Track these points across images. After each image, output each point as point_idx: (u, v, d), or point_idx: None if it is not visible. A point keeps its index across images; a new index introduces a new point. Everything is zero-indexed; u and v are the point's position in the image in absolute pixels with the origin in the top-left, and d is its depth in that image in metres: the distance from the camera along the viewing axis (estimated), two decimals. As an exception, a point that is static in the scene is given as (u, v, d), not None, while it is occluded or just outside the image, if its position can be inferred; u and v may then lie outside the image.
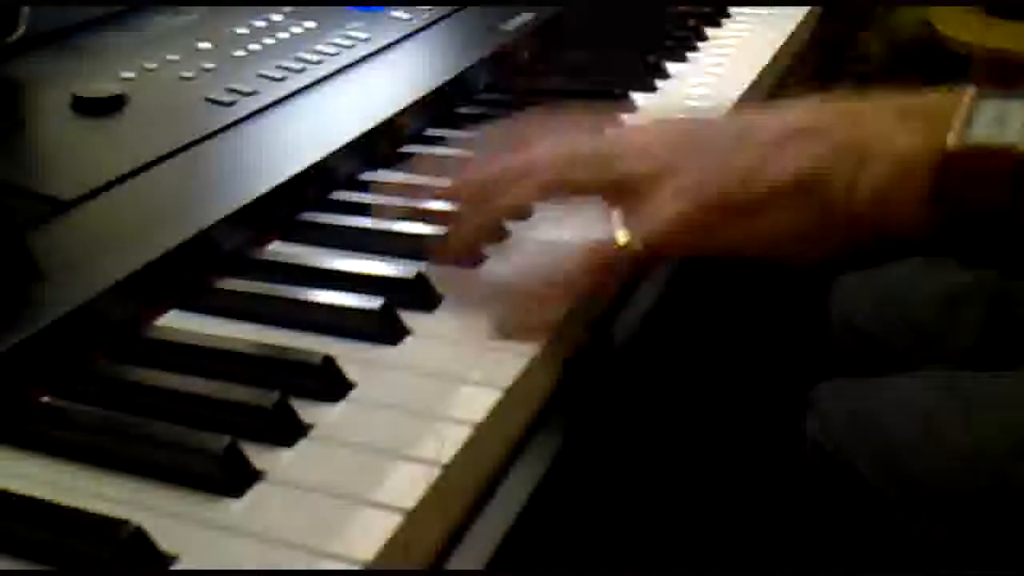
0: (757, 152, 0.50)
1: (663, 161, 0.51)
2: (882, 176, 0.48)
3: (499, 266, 0.55)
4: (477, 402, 0.44)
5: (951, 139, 0.46)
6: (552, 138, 0.56)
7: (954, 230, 0.48)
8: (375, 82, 0.74)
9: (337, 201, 0.62)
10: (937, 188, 0.47)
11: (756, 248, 0.51)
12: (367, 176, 0.65)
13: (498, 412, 0.44)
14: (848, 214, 0.48)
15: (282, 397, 0.43)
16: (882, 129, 0.48)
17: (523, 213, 0.58)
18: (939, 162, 0.46)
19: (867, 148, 0.48)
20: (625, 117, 0.75)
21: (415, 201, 0.59)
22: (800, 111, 0.51)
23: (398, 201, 0.59)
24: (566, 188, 0.53)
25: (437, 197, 0.57)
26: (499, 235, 0.57)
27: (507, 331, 0.50)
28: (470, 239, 0.56)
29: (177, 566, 0.37)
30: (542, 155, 0.55)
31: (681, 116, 0.55)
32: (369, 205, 0.61)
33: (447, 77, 0.75)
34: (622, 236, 0.51)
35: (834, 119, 0.50)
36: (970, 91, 0.48)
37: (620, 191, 0.52)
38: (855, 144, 0.48)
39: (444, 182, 0.57)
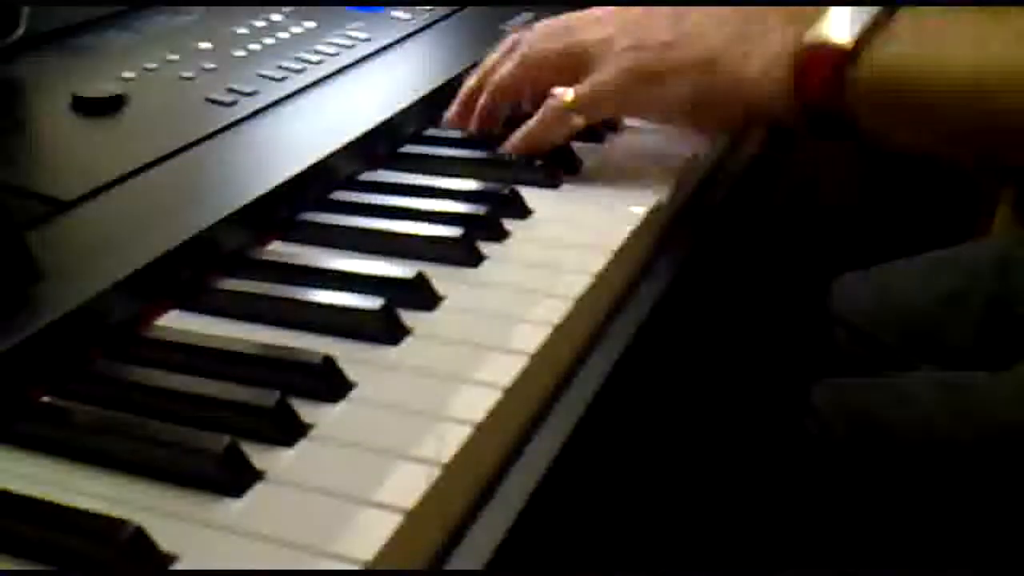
0: (681, 31, 0.61)
1: (608, 32, 0.63)
2: (759, 63, 0.59)
3: (502, 266, 0.55)
4: (477, 402, 0.44)
5: (807, 36, 0.57)
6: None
7: (813, 119, 0.57)
8: (375, 82, 0.74)
9: (337, 201, 0.62)
10: (794, 80, 0.57)
11: (663, 113, 0.65)
12: (368, 176, 0.65)
13: (498, 412, 0.44)
14: (735, 93, 0.60)
15: (282, 397, 0.43)
16: (773, 24, 0.59)
17: (515, 93, 0.68)
18: (796, 56, 0.57)
19: (756, 38, 0.59)
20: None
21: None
22: (725, 8, 0.62)
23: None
24: (534, 56, 0.66)
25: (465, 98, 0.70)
26: (501, 235, 0.57)
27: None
28: (484, 111, 0.68)
29: (177, 566, 0.37)
30: (523, 34, 0.68)
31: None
32: (368, 205, 0.61)
33: (447, 77, 0.75)
34: (568, 94, 0.64)
35: (739, 15, 0.61)
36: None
37: (576, 58, 0.64)
38: (749, 33, 0.59)
39: None
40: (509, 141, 0.66)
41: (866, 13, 0.56)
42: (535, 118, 0.65)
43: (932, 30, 0.55)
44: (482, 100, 0.68)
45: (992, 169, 0.63)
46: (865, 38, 0.55)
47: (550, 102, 0.64)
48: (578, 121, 0.64)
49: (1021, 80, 0.52)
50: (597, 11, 0.66)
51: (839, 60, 0.55)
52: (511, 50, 0.68)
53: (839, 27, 0.56)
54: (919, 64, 0.55)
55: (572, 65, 0.64)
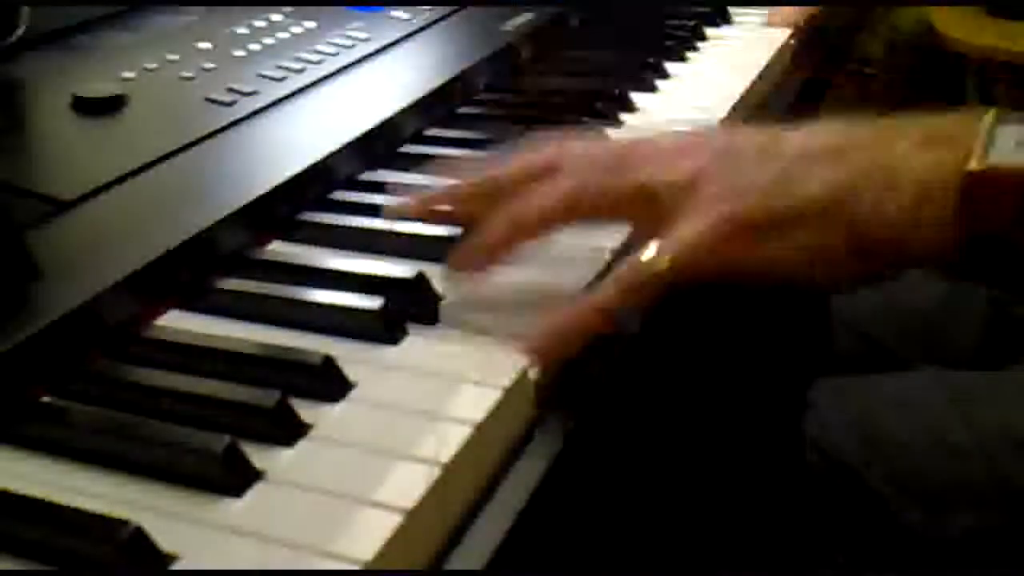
0: (783, 169, 0.49)
1: (688, 171, 0.50)
2: (906, 199, 0.47)
3: (505, 271, 0.55)
4: (477, 402, 0.44)
5: (972, 163, 0.46)
6: (568, 142, 0.55)
7: (977, 254, 0.47)
8: (375, 82, 0.74)
9: (337, 201, 0.62)
10: (959, 211, 0.46)
11: (781, 270, 0.50)
12: (368, 176, 0.65)
13: (498, 412, 0.44)
14: (873, 237, 0.48)
15: (282, 397, 0.43)
16: (906, 153, 0.48)
17: (551, 228, 0.53)
18: (961, 185, 0.46)
19: (892, 171, 0.48)
20: (626, 117, 0.76)
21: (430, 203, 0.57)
22: (826, 131, 0.51)
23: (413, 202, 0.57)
24: (588, 194, 0.52)
25: (452, 195, 0.56)
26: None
27: (534, 347, 0.48)
28: (500, 250, 0.53)
29: (177, 566, 0.37)
30: (562, 152, 0.53)
31: (693, 128, 0.54)
32: (368, 205, 0.61)
33: (447, 77, 0.75)
34: (648, 253, 0.49)
35: (859, 141, 0.50)
36: (991, 113, 0.48)
37: (643, 201, 0.51)
38: (880, 167, 0.48)
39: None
40: (574, 317, 0.50)
41: None
42: (611, 288, 0.50)
43: None
44: (498, 231, 0.52)
45: None
46: None
47: (631, 269, 0.50)
48: (664, 285, 0.50)
49: None
50: (660, 142, 0.53)
51: None
52: (543, 171, 0.53)
53: (1015, 147, 0.47)
54: None
55: (642, 211, 0.51)
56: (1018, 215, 0.46)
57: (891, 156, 0.48)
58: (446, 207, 0.55)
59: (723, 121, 0.74)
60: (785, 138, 0.51)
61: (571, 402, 0.49)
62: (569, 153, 0.53)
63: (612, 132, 0.71)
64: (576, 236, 0.56)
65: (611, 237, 0.57)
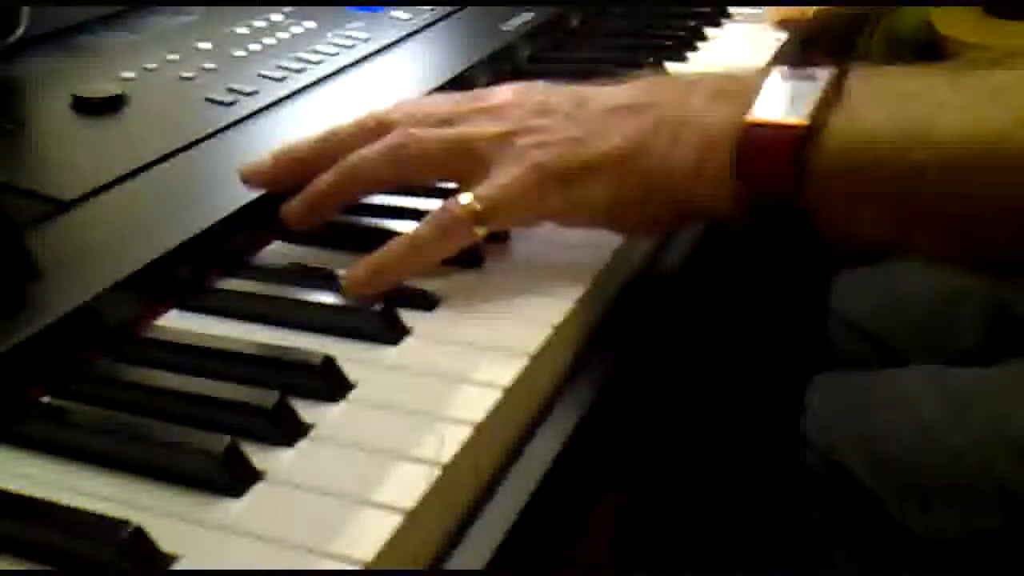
0: (588, 123, 0.53)
1: (504, 126, 0.54)
2: (691, 150, 0.50)
3: (503, 265, 0.55)
4: (477, 402, 0.44)
5: (748, 116, 0.49)
6: (402, 101, 0.58)
7: (759, 212, 0.49)
8: (375, 82, 0.74)
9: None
10: (736, 163, 0.48)
11: (581, 216, 0.53)
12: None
13: (498, 412, 0.44)
14: (660, 188, 0.51)
15: (282, 397, 0.43)
16: (697, 106, 0.51)
17: (380, 181, 0.57)
18: (735, 137, 0.48)
19: (681, 123, 0.51)
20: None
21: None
22: (629, 87, 0.54)
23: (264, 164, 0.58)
24: (412, 147, 0.54)
25: (293, 153, 0.58)
26: (501, 236, 0.57)
27: (351, 284, 0.51)
28: (332, 199, 0.56)
29: (177, 566, 0.37)
30: (395, 109, 0.57)
31: (518, 84, 0.57)
32: (368, 205, 0.61)
33: (447, 77, 0.75)
34: (464, 198, 0.52)
35: (656, 95, 0.53)
36: (777, 71, 0.50)
37: (465, 154, 0.54)
38: (672, 119, 0.51)
39: None
40: (391, 253, 0.52)
41: (814, 84, 0.48)
42: (426, 226, 0.53)
43: (901, 96, 0.47)
44: (324, 183, 0.55)
45: (983, 261, 0.51)
46: (822, 112, 0.47)
47: (448, 210, 0.52)
48: (480, 232, 0.52)
49: (1010, 149, 0.44)
50: (490, 96, 0.56)
51: (794, 142, 0.47)
52: (373, 131, 0.56)
53: (785, 103, 0.48)
54: (893, 136, 0.46)
55: (458, 164, 0.54)
56: (785, 169, 0.47)
57: (683, 109, 0.51)
58: (291, 166, 0.57)
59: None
60: (595, 94, 0.54)
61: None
62: (401, 110, 0.57)
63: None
64: (576, 235, 0.56)
65: (611, 237, 0.57)
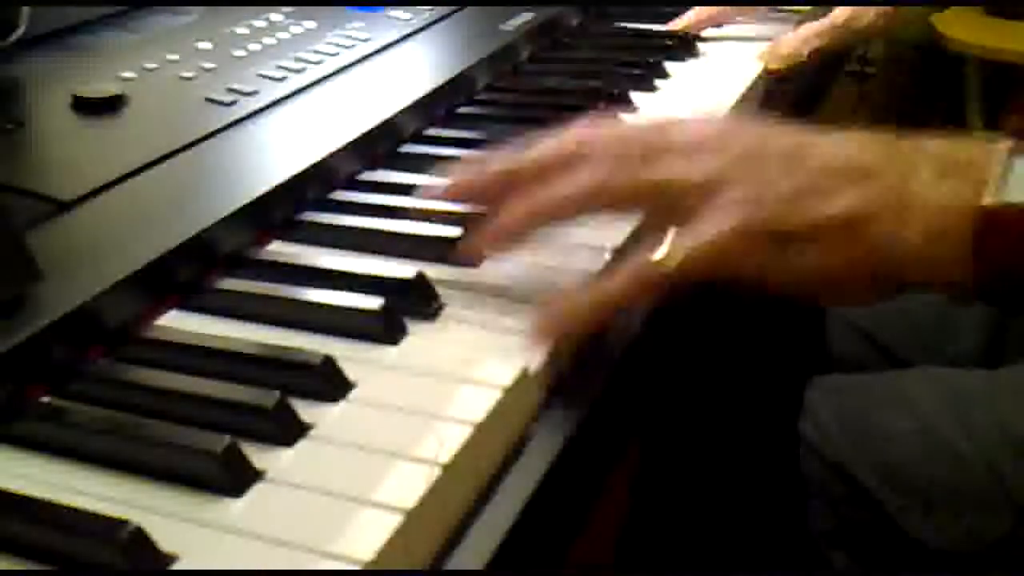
0: (807, 182, 0.48)
1: (711, 171, 0.49)
2: (923, 227, 0.47)
3: (502, 265, 0.55)
4: (477, 402, 0.44)
5: (987, 198, 0.46)
6: (593, 128, 0.54)
7: (998, 287, 0.47)
8: (375, 82, 0.74)
9: (337, 201, 0.62)
10: (976, 245, 0.46)
11: (792, 283, 0.49)
12: (368, 176, 0.65)
13: (498, 412, 0.44)
14: (888, 261, 0.47)
15: (282, 397, 0.43)
16: (926, 179, 0.47)
17: (569, 216, 0.53)
18: (976, 221, 0.46)
19: (911, 197, 0.47)
20: (626, 116, 0.76)
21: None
22: (852, 146, 0.50)
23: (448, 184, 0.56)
24: (610, 186, 0.51)
25: (479, 178, 0.55)
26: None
27: (541, 334, 0.49)
28: (521, 234, 0.53)
29: (177, 566, 0.37)
30: (587, 140, 0.53)
31: (734, 119, 0.54)
32: (368, 205, 0.61)
33: (447, 77, 0.75)
34: (660, 252, 0.49)
35: (881, 161, 0.49)
36: (1006, 144, 0.48)
37: (662, 196, 0.50)
38: (900, 193, 0.47)
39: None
40: (582, 304, 0.50)
41: None
42: (622, 279, 0.49)
43: None
44: (517, 218, 0.52)
45: None
46: None
47: (640, 267, 0.49)
48: (670, 286, 0.49)
49: None
50: (693, 130, 0.52)
51: None
52: (571, 157, 0.52)
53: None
54: None
55: (659, 208, 0.51)
56: None
57: (912, 179, 0.48)
58: (474, 190, 0.55)
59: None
60: (812, 147, 0.50)
61: (573, 400, 0.49)
62: (594, 142, 0.53)
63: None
64: (577, 234, 0.56)
65: (612, 236, 0.57)
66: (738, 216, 0.48)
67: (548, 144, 0.53)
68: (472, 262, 0.55)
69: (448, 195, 0.55)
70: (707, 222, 0.48)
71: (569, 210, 0.52)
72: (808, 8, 0.97)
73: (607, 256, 0.55)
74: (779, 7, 0.99)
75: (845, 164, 0.49)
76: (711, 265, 0.48)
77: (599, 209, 0.53)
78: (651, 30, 0.95)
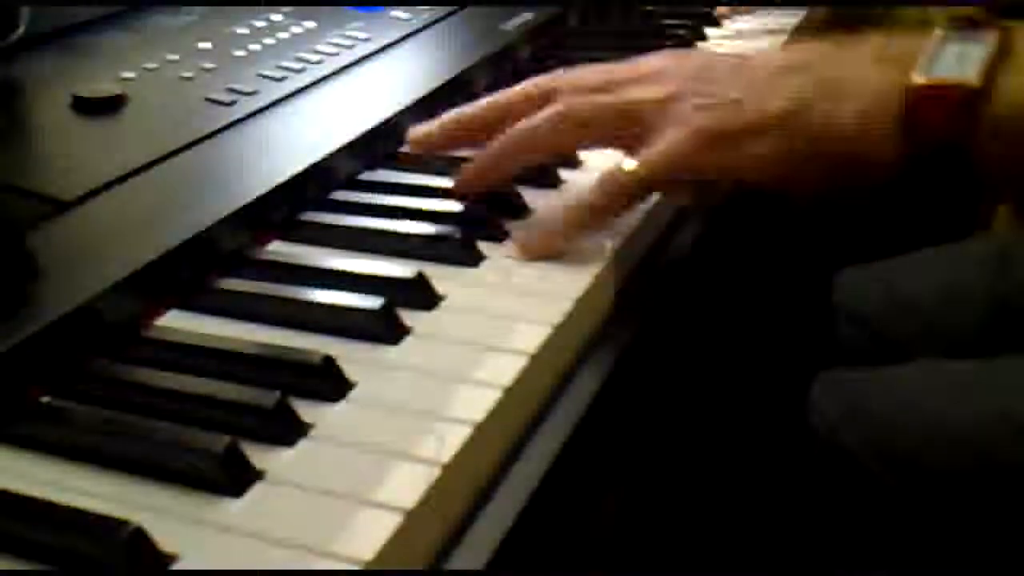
0: (750, 85, 0.55)
1: (668, 89, 0.56)
2: (856, 110, 0.52)
3: (503, 265, 0.55)
4: (477, 402, 0.44)
5: (916, 76, 0.51)
6: (562, 71, 0.60)
7: (928, 165, 0.52)
8: (375, 82, 0.74)
9: (337, 201, 0.62)
10: (904, 122, 0.51)
11: (743, 176, 0.56)
12: (368, 176, 0.65)
13: (498, 412, 0.44)
14: (826, 146, 0.53)
15: (282, 397, 0.43)
16: (859, 67, 0.53)
17: (549, 148, 0.59)
18: (905, 97, 0.51)
19: (844, 83, 0.53)
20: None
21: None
22: (786, 51, 0.58)
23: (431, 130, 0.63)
24: (578, 114, 0.57)
25: (460, 122, 0.61)
26: (500, 236, 0.57)
27: (529, 249, 0.55)
28: (500, 169, 0.59)
29: (177, 566, 0.37)
30: (556, 78, 0.59)
31: (691, 51, 0.60)
32: (368, 205, 0.61)
33: (447, 77, 0.75)
34: (628, 163, 0.55)
35: (816, 57, 0.55)
36: (937, 33, 0.53)
37: (627, 118, 0.56)
38: (834, 79, 0.53)
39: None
40: (563, 218, 0.56)
41: (979, 45, 0.51)
42: (593, 193, 0.56)
43: None
44: (493, 151, 0.58)
45: None
46: (992, 71, 0.50)
47: (612, 174, 0.55)
48: (644, 194, 0.57)
49: None
50: (646, 63, 0.59)
51: (966, 101, 0.50)
52: (536, 99, 0.59)
53: (956, 63, 0.51)
54: None
55: (625, 127, 0.57)
56: (959, 126, 0.50)
57: (842, 70, 0.53)
58: (458, 133, 0.61)
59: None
60: (755, 58, 0.57)
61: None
62: (562, 79, 0.59)
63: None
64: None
65: (612, 235, 0.57)
66: (693, 122, 0.54)
67: (513, 89, 0.60)
68: (473, 262, 0.55)
69: (441, 133, 0.61)
70: (668, 130, 0.55)
71: (539, 140, 0.58)
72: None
73: (608, 253, 0.55)
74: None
75: (785, 64, 0.55)
76: (675, 166, 0.55)
77: (572, 138, 0.59)
78: (652, 29, 0.95)
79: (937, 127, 0.51)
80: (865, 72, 0.53)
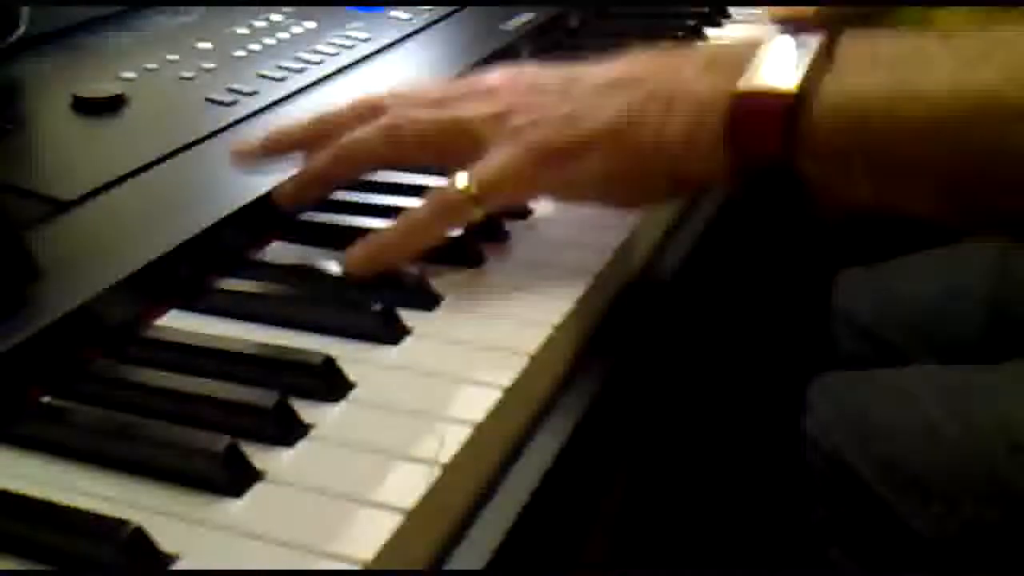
0: (581, 99, 0.53)
1: (497, 107, 0.54)
2: (683, 121, 0.50)
3: (503, 265, 0.55)
4: (477, 402, 0.44)
5: (740, 83, 0.49)
6: (394, 87, 0.59)
7: (753, 180, 0.49)
8: (375, 82, 0.74)
9: (337, 201, 0.62)
10: (727, 132, 0.49)
11: (576, 192, 0.55)
12: (367, 176, 0.65)
13: (498, 412, 0.44)
14: (657, 159, 0.51)
15: (282, 397, 0.43)
16: (688, 77, 0.51)
17: (373, 162, 0.58)
18: (728, 106, 0.49)
19: (672, 95, 0.51)
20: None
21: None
22: (620, 63, 0.54)
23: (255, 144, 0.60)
24: (406, 128, 0.55)
25: (285, 135, 0.59)
26: (501, 236, 0.57)
27: (350, 265, 0.53)
28: (314, 179, 0.57)
29: (177, 566, 0.37)
30: (388, 94, 0.58)
31: (526, 66, 0.58)
32: (368, 205, 0.61)
33: (447, 77, 0.75)
34: (460, 180, 0.53)
35: (648, 69, 0.53)
36: (771, 40, 0.50)
37: (458, 135, 0.54)
38: (664, 92, 0.51)
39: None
40: (390, 235, 0.54)
41: (804, 51, 0.49)
42: (423, 209, 0.54)
43: (891, 56, 0.47)
44: (318, 163, 0.57)
45: (975, 222, 0.52)
46: (812, 77, 0.47)
47: (442, 191, 0.53)
48: (477, 213, 0.53)
49: (1000, 104, 0.44)
50: (481, 79, 0.57)
51: (783, 108, 0.47)
52: (366, 113, 0.57)
53: (775, 70, 0.48)
54: (882, 93, 0.46)
55: (456, 143, 0.55)
56: (779, 138, 0.48)
57: (674, 81, 0.51)
58: (282, 145, 0.59)
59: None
60: (586, 73, 0.54)
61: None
62: (394, 93, 0.58)
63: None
64: (577, 235, 0.56)
65: (613, 235, 0.57)
66: (524, 139, 0.53)
67: (356, 98, 0.58)
68: (473, 263, 0.55)
69: (265, 146, 0.59)
70: (499, 147, 0.53)
71: (367, 152, 0.56)
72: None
73: (608, 254, 0.55)
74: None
75: (615, 78, 0.53)
76: (506, 183, 0.53)
77: (400, 152, 0.56)
78: (653, 29, 0.95)
79: (757, 140, 0.48)
80: (695, 83, 0.51)
